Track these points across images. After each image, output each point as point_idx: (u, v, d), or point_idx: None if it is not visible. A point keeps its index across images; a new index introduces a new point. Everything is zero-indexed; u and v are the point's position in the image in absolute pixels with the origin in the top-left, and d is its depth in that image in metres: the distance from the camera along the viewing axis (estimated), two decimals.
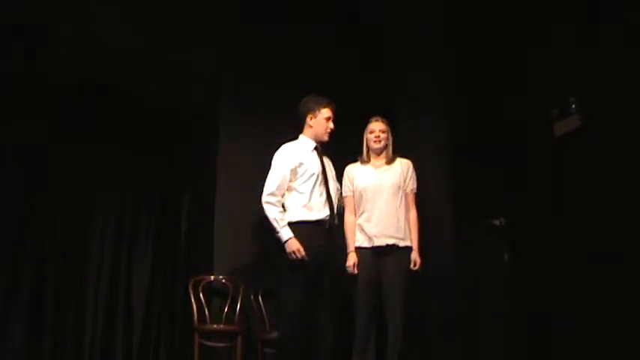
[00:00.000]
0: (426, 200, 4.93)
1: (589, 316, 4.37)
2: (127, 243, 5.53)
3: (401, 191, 4.57)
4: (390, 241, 4.45)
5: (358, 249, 4.51)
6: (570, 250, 4.69)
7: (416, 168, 4.72)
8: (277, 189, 4.49)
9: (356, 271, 4.46)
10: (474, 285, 4.97)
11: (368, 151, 4.70)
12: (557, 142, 4.80)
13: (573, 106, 4.80)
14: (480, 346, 4.92)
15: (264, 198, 4.49)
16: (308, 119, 4.67)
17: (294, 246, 4.34)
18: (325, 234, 4.48)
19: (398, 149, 4.76)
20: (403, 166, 4.66)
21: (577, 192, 4.61)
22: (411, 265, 4.45)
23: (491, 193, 4.96)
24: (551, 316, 4.69)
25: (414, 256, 4.47)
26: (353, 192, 4.64)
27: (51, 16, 4.88)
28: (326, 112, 4.63)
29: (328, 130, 4.64)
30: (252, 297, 5.35)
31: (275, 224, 4.41)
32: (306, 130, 4.69)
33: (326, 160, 4.73)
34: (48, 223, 5.20)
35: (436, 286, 4.91)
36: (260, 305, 5.34)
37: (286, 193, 4.53)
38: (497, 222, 4.95)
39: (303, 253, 4.32)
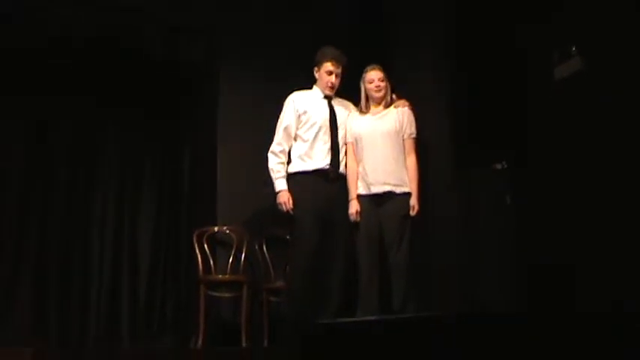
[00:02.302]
0: (426, 147, 4.92)
1: (590, 261, 4.38)
2: (129, 196, 5.59)
3: (397, 137, 4.55)
4: (387, 188, 4.46)
5: (359, 196, 4.53)
6: (573, 193, 4.61)
7: (415, 113, 4.68)
8: (283, 138, 4.54)
9: (358, 219, 4.49)
10: (476, 228, 4.88)
11: (367, 101, 4.67)
12: (557, 85, 4.71)
13: (574, 48, 4.72)
14: (481, 290, 4.87)
15: (272, 148, 4.56)
16: (315, 72, 4.69)
17: (282, 198, 4.43)
18: (327, 183, 4.50)
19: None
20: (399, 111, 4.62)
21: (579, 136, 4.59)
22: (410, 211, 4.46)
23: (492, 137, 4.88)
24: (552, 260, 4.60)
25: (413, 201, 4.47)
26: (353, 140, 4.63)
27: None
28: (327, 66, 4.62)
29: (329, 85, 4.62)
30: (256, 247, 5.39)
31: (271, 174, 4.49)
32: (317, 81, 4.72)
33: (343, 106, 4.71)
34: (52, 177, 5.26)
35: (438, 231, 4.90)
36: (264, 254, 5.38)
37: (293, 142, 4.57)
38: (499, 166, 4.82)
39: (290, 206, 4.38)
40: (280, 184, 4.43)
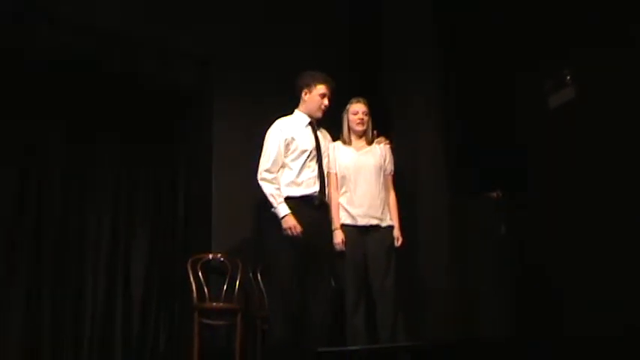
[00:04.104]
0: (420, 176, 5.04)
1: (589, 290, 4.35)
2: (123, 223, 5.51)
3: (381, 173, 4.65)
4: (374, 222, 4.55)
5: (343, 226, 4.57)
6: (569, 223, 4.63)
7: (409, 144, 4.87)
8: (272, 165, 4.48)
9: (344, 248, 4.51)
10: (469, 257, 4.97)
11: (349, 132, 4.73)
12: (551, 114, 4.75)
13: (568, 77, 4.75)
14: (475, 320, 4.91)
15: (260, 175, 4.48)
16: (303, 94, 4.66)
17: (290, 222, 4.34)
18: (314, 210, 4.50)
19: (391, 124, 4.88)
20: (381, 147, 4.73)
21: (576, 164, 4.59)
22: (395, 242, 4.56)
23: (487, 165, 4.92)
24: (550, 288, 4.67)
25: (397, 233, 4.59)
26: (336, 171, 4.69)
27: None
28: (321, 89, 4.61)
29: (322, 107, 4.62)
30: (250, 274, 5.38)
31: (272, 200, 4.41)
32: (301, 105, 4.70)
33: (322, 135, 4.73)
34: (44, 202, 5.18)
35: (429, 258, 4.97)
36: (259, 282, 5.37)
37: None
38: (494, 194, 4.89)
39: (299, 229, 4.32)
40: (283, 209, 4.36)
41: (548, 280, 4.69)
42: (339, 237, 4.52)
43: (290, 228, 4.32)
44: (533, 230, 4.82)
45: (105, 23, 5.09)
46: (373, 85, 5.28)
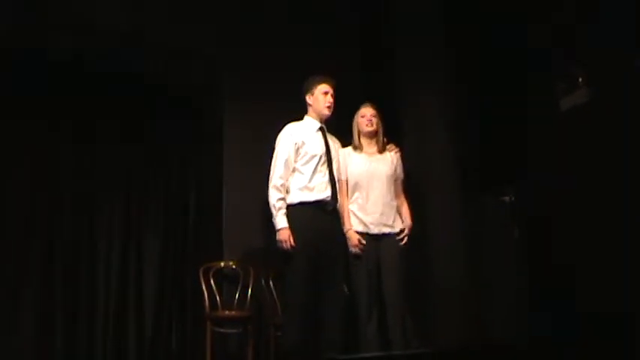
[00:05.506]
0: (431, 178, 5.00)
1: (605, 293, 4.26)
2: (135, 231, 5.53)
3: (392, 180, 4.66)
4: (386, 230, 4.54)
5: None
6: (585, 226, 4.53)
7: (420, 145, 4.86)
8: (285, 170, 4.48)
9: (360, 246, 4.47)
10: (481, 260, 4.93)
11: (359, 137, 4.73)
12: (563, 116, 4.68)
13: (580, 80, 4.70)
14: (487, 324, 4.88)
15: (272, 182, 4.47)
16: (307, 99, 4.70)
17: (283, 235, 4.33)
18: (327, 216, 4.49)
19: (403, 128, 4.84)
20: (392, 155, 4.72)
21: (590, 165, 4.52)
22: (404, 234, 4.55)
23: (500, 168, 4.92)
24: (564, 296, 4.57)
25: (406, 232, 4.58)
26: (347, 177, 4.67)
27: None
28: (322, 87, 4.64)
29: (327, 104, 4.64)
30: (262, 282, 5.34)
31: (272, 210, 4.40)
32: (309, 110, 4.71)
33: (333, 141, 4.73)
34: (56, 212, 5.23)
35: (442, 265, 4.93)
36: (271, 290, 5.33)
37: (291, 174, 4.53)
38: (506, 198, 4.85)
39: (292, 243, 4.31)
40: (281, 222, 4.36)
41: (563, 283, 4.59)
42: (354, 237, 4.50)
43: (283, 241, 4.32)
44: (548, 234, 4.73)
45: (113, 23, 5.13)
46: (384, 86, 5.29)
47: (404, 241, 4.55)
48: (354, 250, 4.50)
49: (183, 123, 5.73)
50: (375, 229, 4.53)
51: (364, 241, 4.48)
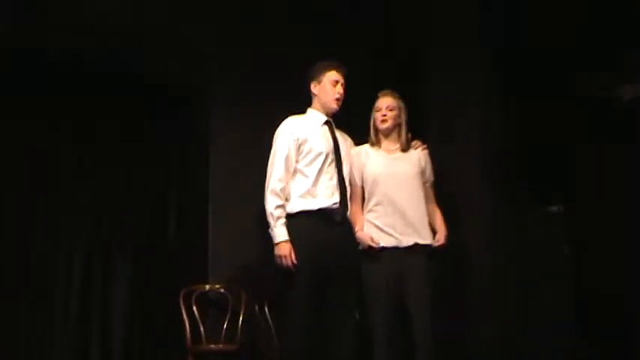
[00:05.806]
0: (464, 182, 4.69)
1: None
2: (100, 248, 5.04)
3: (419, 181, 4.21)
4: (410, 241, 4.06)
5: (370, 247, 4.08)
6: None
7: (448, 147, 4.62)
8: (285, 171, 4.06)
9: (379, 243, 4.02)
10: (527, 285, 4.58)
11: (377, 133, 4.27)
12: (624, 112, 4.42)
13: None
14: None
15: (271, 185, 4.04)
16: (313, 87, 4.25)
17: (283, 250, 3.93)
18: (334, 227, 4.04)
19: (436, 134, 4.64)
20: (418, 153, 4.28)
21: None
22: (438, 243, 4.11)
23: (545, 175, 4.61)
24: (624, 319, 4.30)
25: (439, 236, 4.14)
26: (362, 181, 4.22)
27: None
28: (332, 75, 4.20)
29: (336, 96, 4.20)
30: (256, 309, 4.91)
31: (270, 220, 4.00)
32: (314, 101, 4.28)
33: (343, 138, 4.30)
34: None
35: (479, 286, 4.57)
36: (266, 318, 4.88)
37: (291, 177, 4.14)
38: (554, 208, 4.57)
39: (293, 260, 3.90)
40: (281, 234, 3.96)
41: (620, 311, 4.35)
42: (365, 237, 4.05)
43: (283, 257, 3.92)
44: (603, 251, 4.42)
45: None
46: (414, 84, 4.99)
47: (439, 242, 4.12)
48: (370, 244, 4.03)
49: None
50: (395, 242, 4.05)
51: (379, 242, 4.01)
